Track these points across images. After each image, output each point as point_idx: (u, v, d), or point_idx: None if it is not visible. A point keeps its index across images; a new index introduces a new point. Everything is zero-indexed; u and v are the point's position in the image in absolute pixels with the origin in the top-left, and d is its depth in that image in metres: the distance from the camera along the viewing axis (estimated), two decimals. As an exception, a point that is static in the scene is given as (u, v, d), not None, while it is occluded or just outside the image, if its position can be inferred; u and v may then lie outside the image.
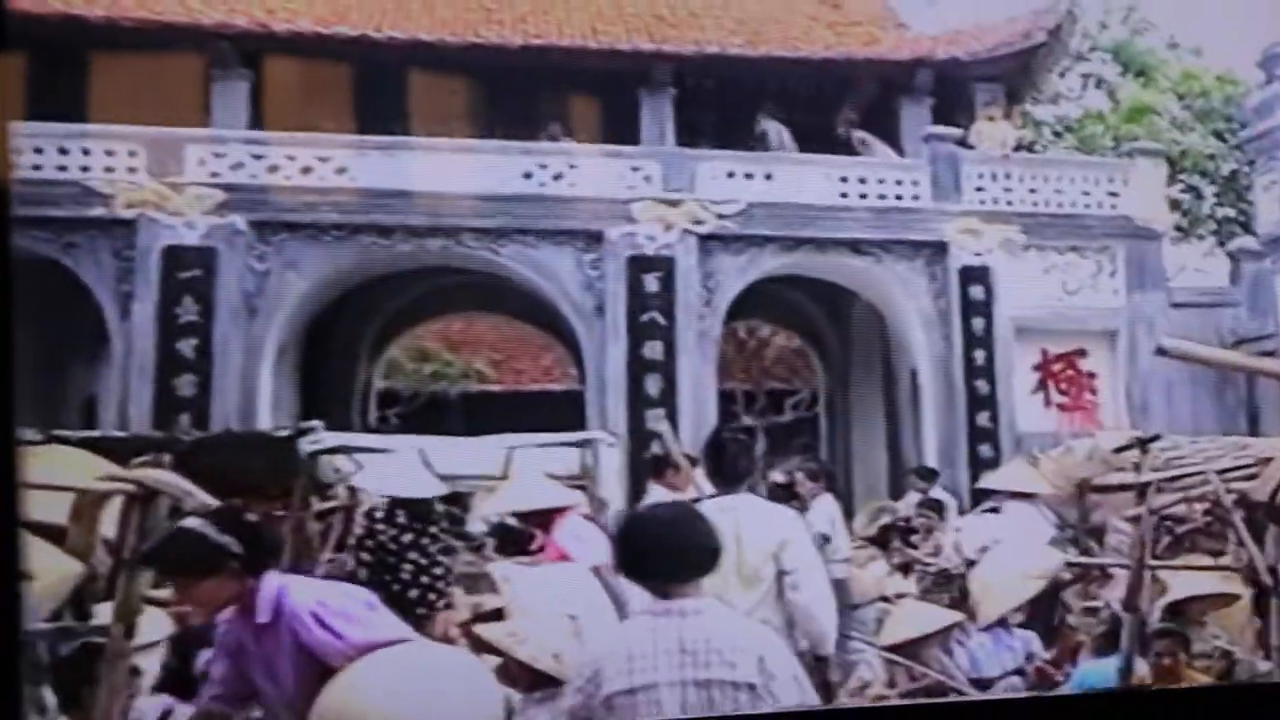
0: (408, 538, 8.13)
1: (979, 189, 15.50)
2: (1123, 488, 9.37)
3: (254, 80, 14.04)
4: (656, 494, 10.62)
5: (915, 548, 10.35)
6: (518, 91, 14.97)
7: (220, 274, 13.09)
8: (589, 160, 14.64)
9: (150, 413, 12.53)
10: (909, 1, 17.57)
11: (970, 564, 8.71)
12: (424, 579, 7.77)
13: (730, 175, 14.87)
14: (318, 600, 4.59)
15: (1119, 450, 9.64)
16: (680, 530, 4.39)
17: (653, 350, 14.15)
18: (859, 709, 5.82)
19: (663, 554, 4.24)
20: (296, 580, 4.78)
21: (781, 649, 4.37)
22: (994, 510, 9.77)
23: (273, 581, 4.59)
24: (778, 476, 13.13)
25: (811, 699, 4.57)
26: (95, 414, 13.22)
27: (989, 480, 10.56)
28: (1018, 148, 16.37)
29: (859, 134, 15.87)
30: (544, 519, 8.07)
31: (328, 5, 14.62)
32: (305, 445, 9.93)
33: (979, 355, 14.98)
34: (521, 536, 8.73)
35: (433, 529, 8.21)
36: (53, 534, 6.44)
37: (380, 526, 8.51)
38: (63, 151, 13.01)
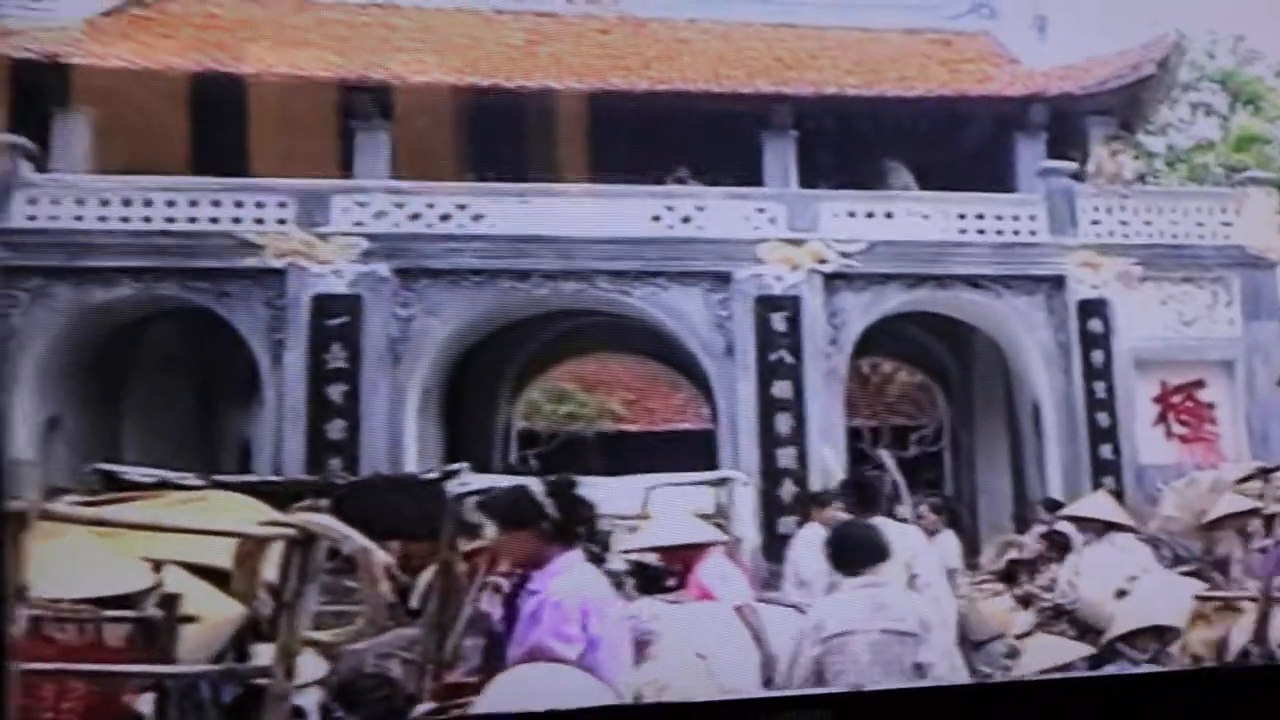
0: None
1: (1094, 222, 15.03)
2: (1247, 517, 9.10)
3: (392, 131, 13.80)
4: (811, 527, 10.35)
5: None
6: (644, 136, 14.65)
7: (366, 320, 12.90)
8: (715, 202, 14.35)
9: (303, 457, 12.34)
10: (1018, 37, 17.03)
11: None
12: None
13: (852, 214, 14.50)
14: (582, 598, 4.94)
15: (1242, 481, 9.33)
16: (868, 534, 6.47)
17: (782, 389, 13.82)
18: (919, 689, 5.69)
19: (860, 548, 6.27)
20: (586, 570, 5.08)
21: (935, 612, 6.36)
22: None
23: (569, 557, 5.01)
24: (903, 511, 12.81)
25: (954, 654, 6.36)
26: (250, 458, 13.05)
27: (1075, 510, 10.27)
28: (1136, 179, 15.85)
29: (891, 163, 15.45)
30: (685, 558, 7.79)
31: (461, 57, 14.36)
32: (452, 487, 9.77)
33: (1099, 388, 14.52)
34: (662, 575, 8.51)
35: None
36: (217, 577, 6.34)
37: None
38: (216, 204, 12.85)
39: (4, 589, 3.79)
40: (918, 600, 6.54)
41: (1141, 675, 6.38)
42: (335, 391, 12.74)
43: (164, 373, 13.41)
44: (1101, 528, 9.19)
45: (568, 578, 4.99)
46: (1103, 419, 14.53)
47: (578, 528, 5.12)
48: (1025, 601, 9.52)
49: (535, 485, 5.19)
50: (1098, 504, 10.06)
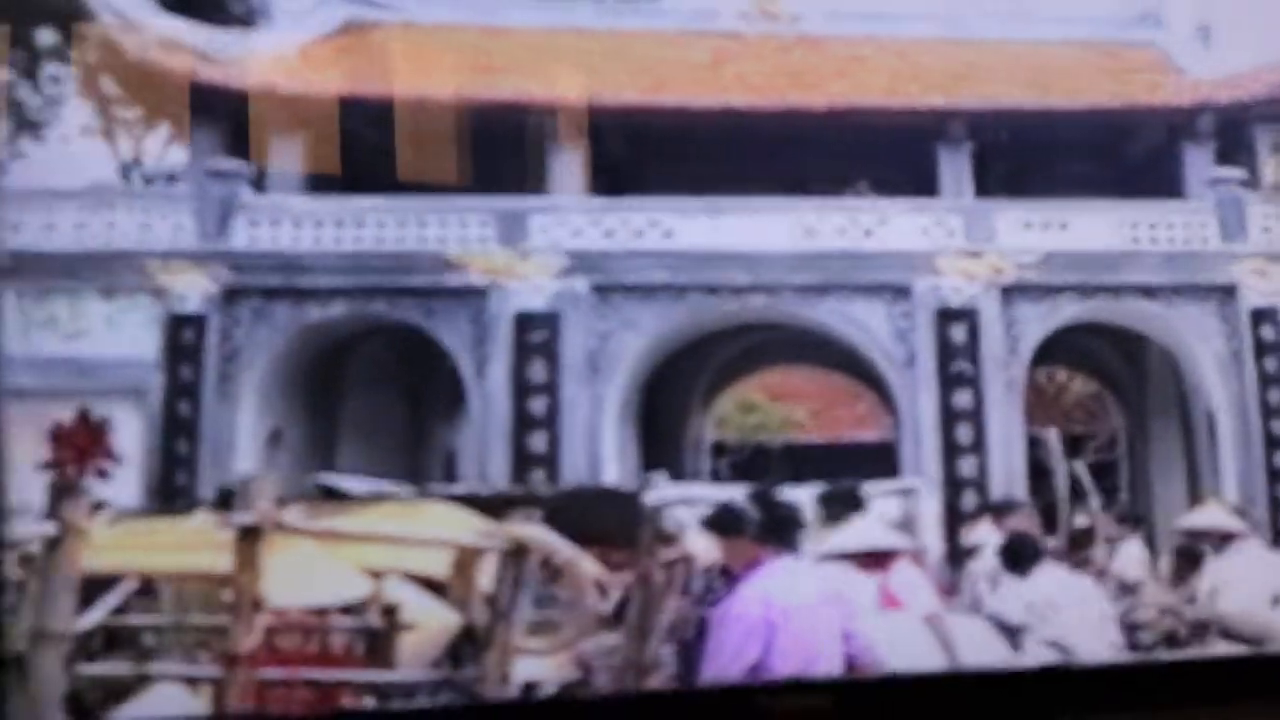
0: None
1: (1265, 230, 14.28)
2: None
3: (586, 150, 13.47)
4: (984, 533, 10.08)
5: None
6: (824, 151, 14.20)
7: (565, 336, 12.62)
8: (895, 215, 13.85)
9: (507, 468, 12.10)
10: (1183, 46, 16.28)
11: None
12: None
13: (1027, 226, 13.92)
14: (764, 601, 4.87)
15: None
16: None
17: (962, 399, 13.35)
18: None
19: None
20: (786, 574, 4.96)
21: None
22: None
23: (774, 563, 4.94)
24: (1080, 521, 12.41)
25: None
26: (456, 469, 12.85)
27: (1192, 520, 9.87)
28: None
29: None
30: (876, 565, 7.48)
31: (650, 77, 13.99)
32: (649, 497, 9.53)
33: (1274, 396, 13.83)
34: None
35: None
36: (434, 587, 6.46)
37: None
38: (421, 224, 12.62)
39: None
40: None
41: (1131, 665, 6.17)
42: (537, 405, 12.49)
43: (376, 387, 13.26)
44: (1219, 539, 8.81)
45: (762, 584, 4.93)
46: (1277, 427, 13.89)
47: (783, 533, 5.09)
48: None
49: (739, 495, 5.17)
50: (1214, 515, 9.69)
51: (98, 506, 7.87)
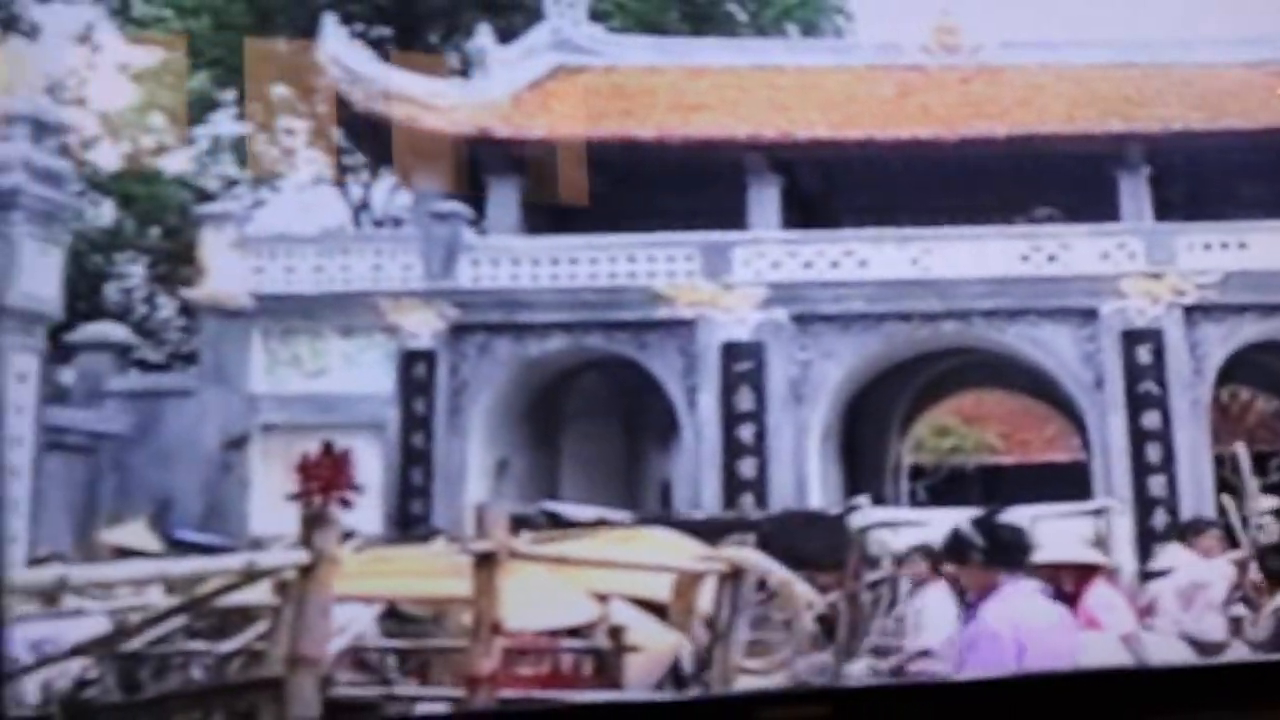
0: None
1: None
2: None
3: (782, 184, 13.06)
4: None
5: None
6: (1005, 178, 13.64)
7: (769, 365, 12.23)
8: (1077, 240, 13.26)
9: (719, 494, 11.76)
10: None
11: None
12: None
13: (1207, 247, 13.22)
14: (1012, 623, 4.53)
15: None
16: None
17: (1150, 419, 12.74)
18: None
19: None
20: (1024, 597, 4.64)
21: None
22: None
23: (1009, 587, 4.58)
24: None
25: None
26: (670, 495, 12.56)
27: None
28: None
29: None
30: (1074, 584, 7.06)
31: (839, 112, 13.53)
32: (855, 521, 9.23)
33: None
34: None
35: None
36: (655, 609, 6.31)
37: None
38: (631, 260, 12.32)
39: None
40: None
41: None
42: (745, 432, 12.16)
43: (594, 417, 13.02)
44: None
45: (1005, 606, 4.55)
46: None
47: (1012, 556, 4.69)
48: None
49: (963, 521, 4.78)
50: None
51: (347, 535, 7.73)
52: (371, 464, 11.43)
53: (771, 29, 14.86)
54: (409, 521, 11.26)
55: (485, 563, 6.66)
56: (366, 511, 11.45)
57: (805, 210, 13.46)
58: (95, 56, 11.48)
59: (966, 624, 4.96)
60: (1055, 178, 14.12)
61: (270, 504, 11.01)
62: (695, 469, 12.22)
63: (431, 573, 7.92)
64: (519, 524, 8.38)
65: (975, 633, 4.67)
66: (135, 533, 9.91)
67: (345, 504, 11.07)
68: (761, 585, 7.20)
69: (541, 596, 6.49)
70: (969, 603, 5.08)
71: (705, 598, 6.39)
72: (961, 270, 13.09)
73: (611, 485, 12.83)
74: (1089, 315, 13.15)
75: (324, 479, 11.59)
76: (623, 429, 13.31)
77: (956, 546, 4.97)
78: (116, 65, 11.68)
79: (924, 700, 4.33)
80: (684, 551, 8.33)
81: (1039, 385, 13.92)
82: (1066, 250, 13.41)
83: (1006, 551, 4.84)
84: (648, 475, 13.46)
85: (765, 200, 13.27)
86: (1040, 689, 4.33)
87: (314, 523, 6.27)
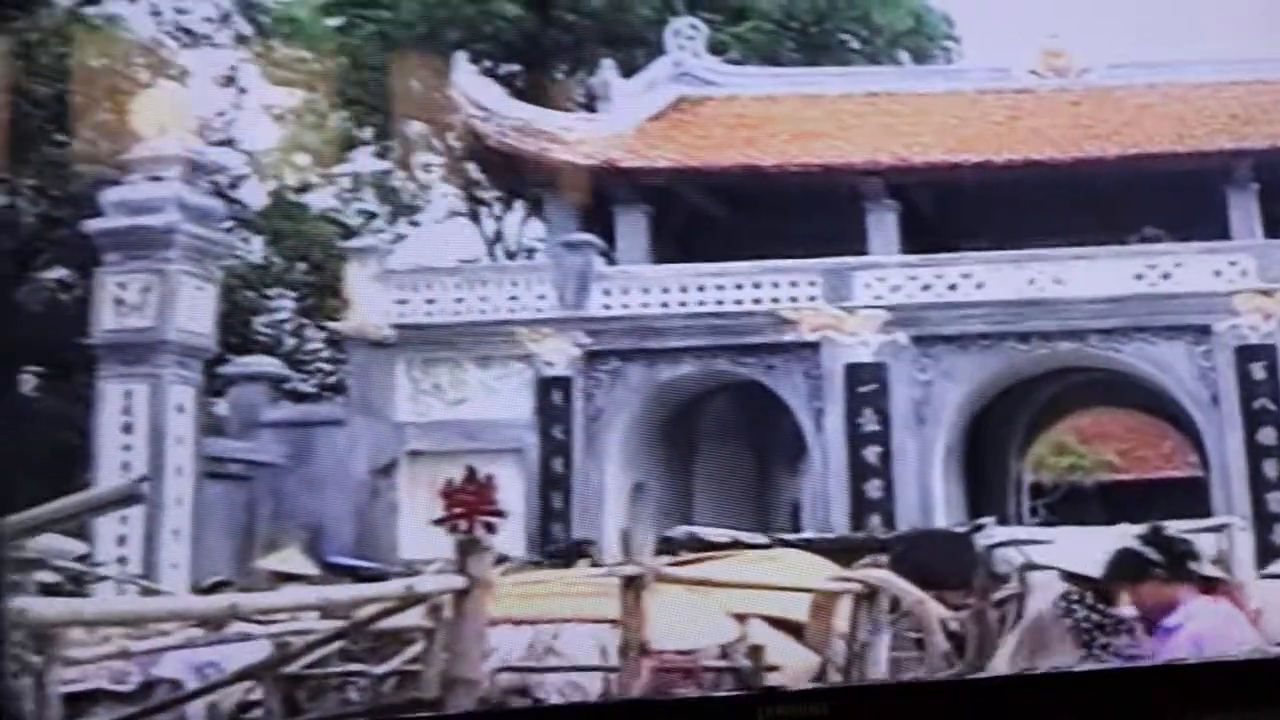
0: (1094, 617, 7.62)
1: None
2: None
3: (900, 209, 12.84)
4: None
5: None
6: (1115, 199, 13.32)
7: (892, 386, 12.02)
8: (1190, 257, 12.92)
9: (847, 514, 11.56)
10: None
11: None
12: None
13: (1316, 261, 12.83)
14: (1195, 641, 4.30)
15: None
16: None
17: (1266, 435, 12.35)
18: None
19: None
20: (1206, 613, 4.35)
21: None
22: None
23: (1189, 601, 4.33)
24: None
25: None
26: (799, 517, 12.39)
27: None
28: None
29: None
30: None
31: (953, 136, 13.29)
32: (980, 539, 9.00)
33: None
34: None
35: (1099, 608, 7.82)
36: (792, 629, 6.18)
37: (1075, 606, 7.80)
38: (756, 285, 12.15)
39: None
40: None
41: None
42: (871, 453, 11.96)
43: (724, 440, 12.89)
44: None
45: (1193, 623, 4.31)
46: None
47: (1186, 569, 4.41)
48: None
49: (1133, 542, 4.52)
50: None
51: (500, 560, 7.65)
52: (513, 488, 11.36)
53: (883, 56, 14.65)
54: (550, 545, 11.17)
55: (632, 585, 6.62)
56: (510, 535, 11.42)
57: (922, 234, 13.23)
58: (241, 98, 11.55)
59: (1159, 640, 4.79)
60: (1164, 196, 13.81)
61: (417, 528, 10.97)
62: (824, 490, 12.04)
63: (576, 595, 7.87)
64: (659, 547, 8.30)
65: (1158, 653, 4.50)
66: (292, 558, 9.90)
67: (489, 528, 11.02)
68: (894, 605, 7.14)
69: (684, 617, 6.42)
70: (1149, 619, 4.92)
71: (841, 617, 6.29)
72: (1076, 290, 12.81)
73: (743, 507, 12.67)
74: (1203, 332, 12.81)
75: (468, 504, 11.52)
76: (752, 451, 13.16)
77: (1133, 564, 4.80)
78: (261, 106, 11.75)
79: (922, 699, 4.14)
80: (819, 572, 8.20)
81: (1155, 402, 13.60)
82: (1179, 268, 13.08)
83: (1182, 563, 4.67)
84: (777, 496, 13.29)
85: (884, 224, 13.06)
86: (1039, 687, 4.03)
87: (468, 548, 6.22)
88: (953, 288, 12.73)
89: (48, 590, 6.39)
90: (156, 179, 10.69)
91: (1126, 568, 4.86)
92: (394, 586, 6.60)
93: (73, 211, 10.55)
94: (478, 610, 5.86)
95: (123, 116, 10.71)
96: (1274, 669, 4.54)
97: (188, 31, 10.93)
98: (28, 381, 10.99)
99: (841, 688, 4.41)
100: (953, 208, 13.85)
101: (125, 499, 7.17)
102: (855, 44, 14.72)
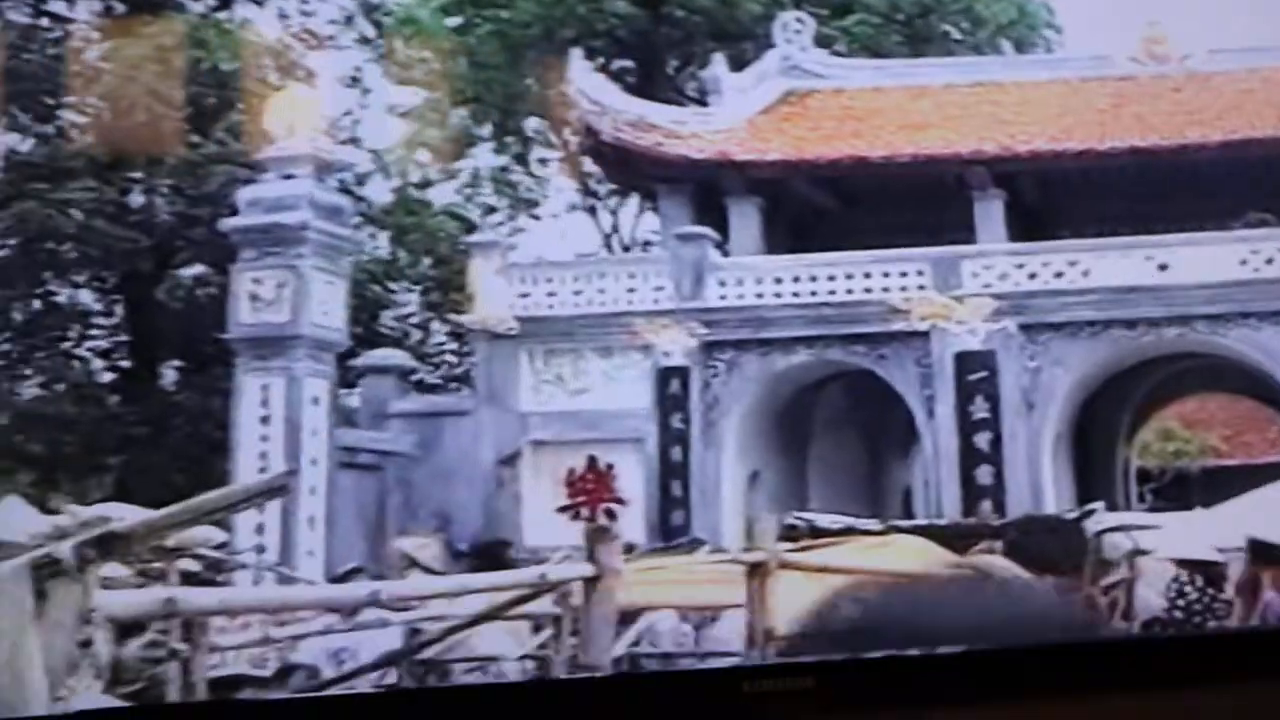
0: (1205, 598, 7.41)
1: None
2: None
3: (1006, 198, 12.52)
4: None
5: None
6: (1218, 184, 12.91)
7: (1001, 374, 11.73)
8: (1293, 243, 12.49)
9: (958, 500, 11.32)
10: None
11: None
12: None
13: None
14: None
15: None
16: None
17: (1375, 420, 11.97)
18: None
19: None
20: None
21: None
22: None
23: None
24: None
25: None
26: (911, 503, 12.16)
27: None
28: None
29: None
30: None
31: (1057, 124, 12.94)
32: (1091, 525, 8.81)
33: None
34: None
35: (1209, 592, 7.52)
36: None
37: (1187, 589, 7.46)
38: (867, 275, 11.92)
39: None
40: None
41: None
42: (981, 440, 11.70)
43: (837, 428, 12.68)
44: None
45: None
46: None
47: None
48: None
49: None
50: None
51: (629, 549, 7.51)
52: (633, 477, 11.23)
53: (987, 47, 14.31)
54: (670, 532, 11.04)
55: (757, 571, 6.50)
56: (631, 522, 11.30)
57: (1029, 222, 12.92)
58: (365, 98, 11.46)
59: None
60: (1267, 181, 13.40)
61: (541, 516, 10.87)
62: (935, 476, 11.80)
63: (703, 581, 7.77)
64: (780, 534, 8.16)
65: None
66: (425, 545, 9.83)
67: (610, 515, 10.95)
68: None
69: (804, 603, 6.34)
70: None
71: None
72: (1182, 276, 12.46)
73: (856, 493, 12.46)
74: (1310, 317, 12.49)
75: (590, 492, 11.44)
76: (864, 439, 12.94)
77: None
78: (385, 106, 11.64)
79: (907, 672, 3.94)
80: (934, 557, 8.06)
81: (1260, 388, 13.20)
82: (1281, 253, 12.72)
83: None
84: (889, 483, 13.07)
85: (990, 213, 12.75)
86: (1018, 660, 3.93)
87: (597, 537, 6.16)
88: (1059, 275, 12.41)
89: (189, 579, 6.37)
90: (288, 177, 10.62)
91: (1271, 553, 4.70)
92: (528, 574, 6.57)
93: (209, 210, 10.51)
94: (607, 597, 5.80)
95: (255, 117, 10.65)
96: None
97: (313, 34, 10.85)
98: (168, 375, 11.02)
99: (828, 661, 4.23)
100: (1058, 196, 13.51)
101: (274, 491, 7.15)
102: (958, 35, 14.37)
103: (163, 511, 4.07)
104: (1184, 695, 3.49)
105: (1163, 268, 12.57)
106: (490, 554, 10.09)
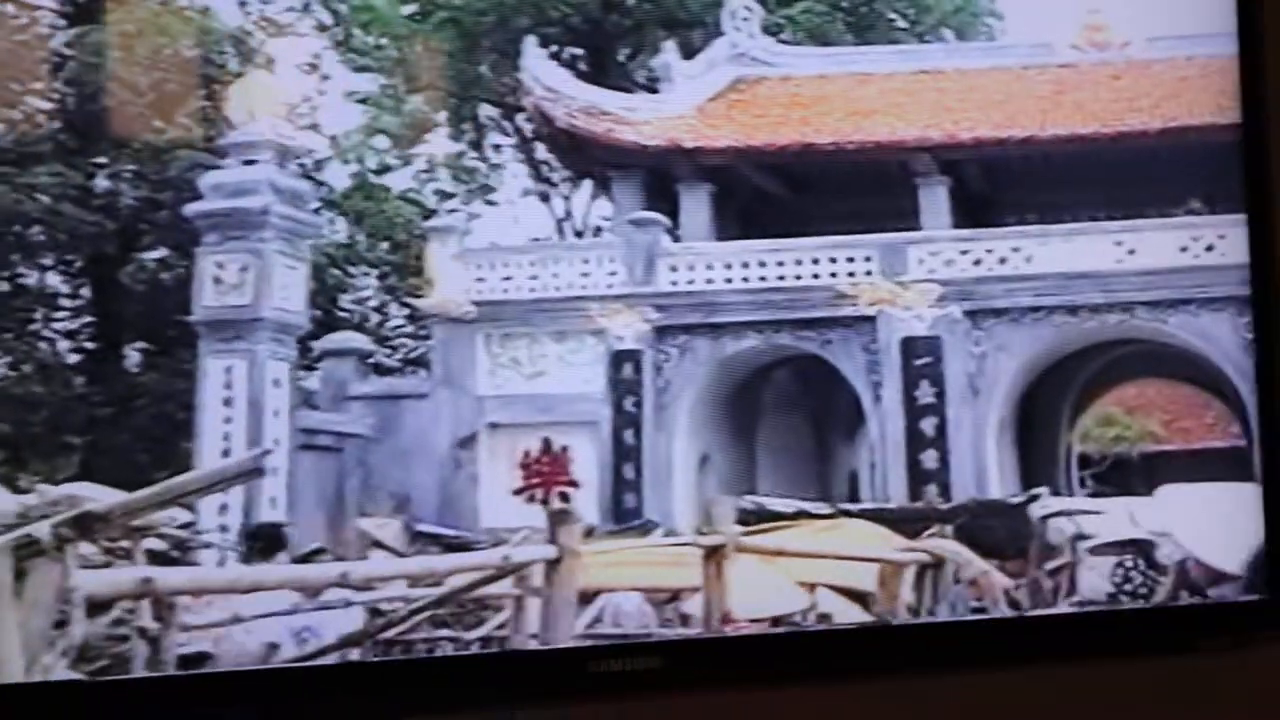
0: (1148, 580, 8.00)
1: None
2: None
3: (951, 185, 13.40)
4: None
5: None
6: (1160, 171, 13.81)
7: (946, 359, 12.55)
8: (1233, 229, 13.32)
9: (904, 484, 12.13)
10: None
11: None
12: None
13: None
14: None
15: None
16: None
17: (1310, 402, 12.88)
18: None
19: None
20: None
21: None
22: None
23: None
24: None
25: None
26: (857, 487, 12.94)
27: None
28: None
29: None
30: None
31: (1000, 112, 13.78)
32: (1035, 510, 9.59)
33: None
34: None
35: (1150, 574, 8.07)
36: (859, 598, 6.91)
37: (1131, 573, 8.17)
38: (814, 261, 12.67)
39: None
40: None
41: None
42: (927, 424, 12.44)
43: (785, 412, 13.35)
44: None
45: None
46: None
47: None
48: None
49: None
50: None
51: (589, 532, 8.28)
52: (587, 459, 11.92)
53: (930, 35, 15.00)
54: (623, 515, 11.72)
55: (714, 554, 6.85)
56: (585, 505, 12.02)
57: (973, 208, 13.68)
58: (324, 84, 11.94)
59: None
60: (1205, 169, 14.28)
61: (497, 498, 11.54)
62: (881, 460, 12.55)
63: (660, 564, 8.45)
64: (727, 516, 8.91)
65: None
66: (384, 525, 10.47)
67: (564, 498, 11.91)
68: (957, 575, 7.47)
69: (759, 586, 6.86)
70: None
71: (907, 587, 6.99)
72: (1124, 263, 13.30)
73: (803, 477, 13.12)
74: (1247, 303, 13.32)
75: (545, 475, 12.40)
76: (811, 423, 13.61)
77: None
78: (343, 92, 12.15)
79: (753, 652, 4.45)
80: (883, 542, 8.67)
81: (1199, 373, 14.06)
82: (1222, 240, 13.54)
83: None
84: (836, 466, 13.77)
85: (935, 200, 13.48)
86: (855, 640, 4.44)
87: (560, 519, 6.91)
88: (1003, 261, 13.17)
89: (155, 557, 6.95)
90: (250, 163, 11.19)
91: None
92: (491, 556, 6.92)
93: (172, 194, 11.04)
94: (568, 580, 6.23)
95: (216, 104, 11.22)
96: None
97: (272, 21, 11.38)
98: (133, 357, 11.54)
99: (673, 641, 4.74)
100: (1002, 183, 14.26)
101: (249, 473, 7.82)
102: (902, 24, 15.06)
103: (143, 492, 4.46)
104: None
105: (1104, 255, 13.44)
106: (266, 536, 10.65)
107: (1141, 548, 8.85)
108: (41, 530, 3.60)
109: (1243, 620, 5.55)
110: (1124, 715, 4.54)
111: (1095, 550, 8.99)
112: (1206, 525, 8.19)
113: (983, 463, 12.31)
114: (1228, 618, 5.57)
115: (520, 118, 13.01)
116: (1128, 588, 8.70)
